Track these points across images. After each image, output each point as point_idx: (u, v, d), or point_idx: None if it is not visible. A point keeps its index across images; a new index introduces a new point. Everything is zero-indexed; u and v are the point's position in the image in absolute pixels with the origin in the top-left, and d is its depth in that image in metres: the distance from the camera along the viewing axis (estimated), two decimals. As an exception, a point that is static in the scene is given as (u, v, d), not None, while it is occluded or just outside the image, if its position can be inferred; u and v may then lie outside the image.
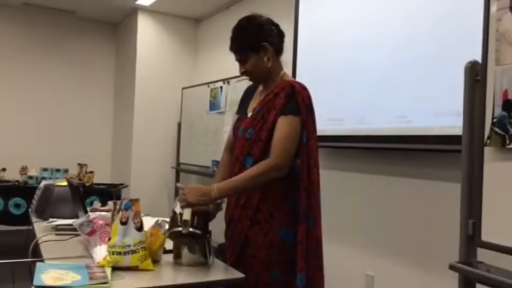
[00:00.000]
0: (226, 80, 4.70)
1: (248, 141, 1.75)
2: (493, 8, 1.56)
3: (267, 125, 1.71)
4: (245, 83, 1.91)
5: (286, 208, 1.70)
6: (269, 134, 1.70)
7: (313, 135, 1.73)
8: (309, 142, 1.70)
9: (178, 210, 1.58)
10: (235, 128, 1.88)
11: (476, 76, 1.65)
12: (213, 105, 4.97)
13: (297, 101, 1.70)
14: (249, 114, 1.82)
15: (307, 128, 1.70)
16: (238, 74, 1.87)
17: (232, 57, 1.84)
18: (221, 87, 4.82)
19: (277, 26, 1.82)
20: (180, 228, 1.54)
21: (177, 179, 5.82)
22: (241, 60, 1.80)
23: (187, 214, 1.54)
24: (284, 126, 1.68)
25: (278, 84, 1.78)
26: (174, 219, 1.59)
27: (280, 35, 1.83)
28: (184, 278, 1.49)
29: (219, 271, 1.57)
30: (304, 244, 1.64)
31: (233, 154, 1.84)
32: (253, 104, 1.85)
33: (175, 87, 5.83)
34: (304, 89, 1.75)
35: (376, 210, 3.14)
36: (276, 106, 1.71)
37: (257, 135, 1.73)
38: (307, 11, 3.69)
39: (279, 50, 1.82)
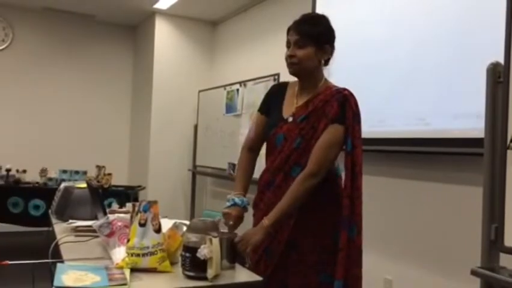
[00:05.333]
0: (243, 83, 4.70)
1: (297, 150, 1.70)
2: (516, 8, 1.53)
3: (317, 133, 1.69)
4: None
5: (334, 212, 1.70)
6: None
7: (359, 142, 1.71)
8: (354, 149, 1.69)
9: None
10: (272, 134, 1.78)
11: (498, 78, 1.63)
12: (229, 108, 4.98)
13: (347, 109, 1.68)
14: (290, 120, 1.75)
15: (352, 135, 1.68)
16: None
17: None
18: (237, 90, 4.82)
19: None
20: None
21: (193, 181, 5.85)
22: (298, 44, 1.71)
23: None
24: (326, 133, 1.67)
25: (323, 90, 1.74)
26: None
27: (333, 49, 1.83)
28: (202, 280, 1.48)
29: (238, 274, 1.57)
30: (346, 252, 1.64)
31: (270, 164, 1.78)
32: (289, 108, 1.78)
33: (192, 90, 5.86)
34: (352, 95, 1.73)
35: (394, 214, 3.10)
36: (328, 114, 1.68)
37: (307, 143, 1.69)
38: (325, 13, 3.66)
39: (328, 60, 1.82)
